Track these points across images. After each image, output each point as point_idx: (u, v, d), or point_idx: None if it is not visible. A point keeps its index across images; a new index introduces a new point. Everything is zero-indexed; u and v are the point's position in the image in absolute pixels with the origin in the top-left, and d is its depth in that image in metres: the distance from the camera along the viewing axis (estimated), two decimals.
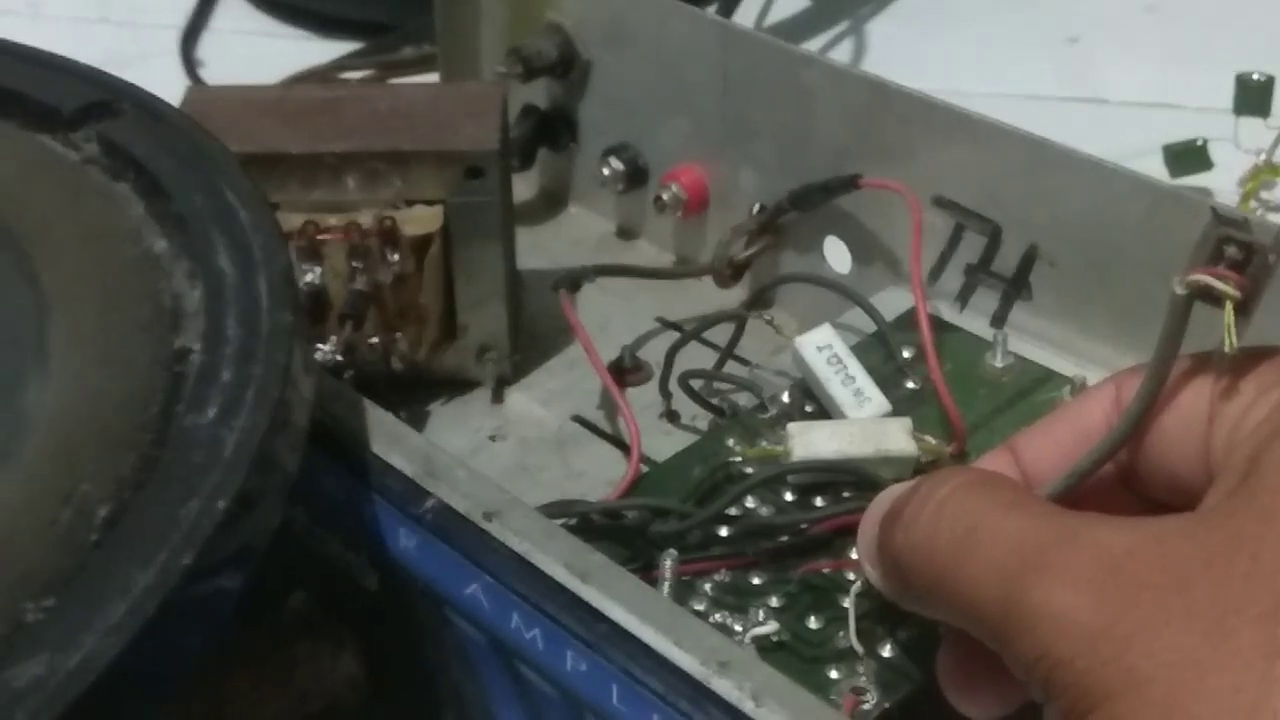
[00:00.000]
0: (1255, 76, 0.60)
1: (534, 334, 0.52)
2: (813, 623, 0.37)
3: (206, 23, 0.79)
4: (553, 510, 0.39)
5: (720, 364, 0.47)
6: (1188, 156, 0.60)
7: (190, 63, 0.75)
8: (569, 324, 0.47)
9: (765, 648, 0.36)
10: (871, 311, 0.46)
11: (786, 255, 0.53)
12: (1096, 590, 0.27)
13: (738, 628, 0.37)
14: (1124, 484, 0.33)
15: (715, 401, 0.46)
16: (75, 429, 0.31)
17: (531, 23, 0.57)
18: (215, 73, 0.74)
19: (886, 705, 0.35)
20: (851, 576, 0.37)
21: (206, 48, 0.77)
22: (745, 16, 0.72)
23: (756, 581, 0.38)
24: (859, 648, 0.36)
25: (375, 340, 0.47)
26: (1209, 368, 0.31)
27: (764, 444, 0.42)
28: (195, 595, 0.29)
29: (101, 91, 0.40)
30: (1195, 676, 0.26)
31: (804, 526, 0.39)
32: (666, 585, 0.37)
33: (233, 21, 0.80)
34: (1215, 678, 0.26)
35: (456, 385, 0.50)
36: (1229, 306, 0.30)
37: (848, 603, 0.36)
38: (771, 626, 0.36)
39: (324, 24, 0.78)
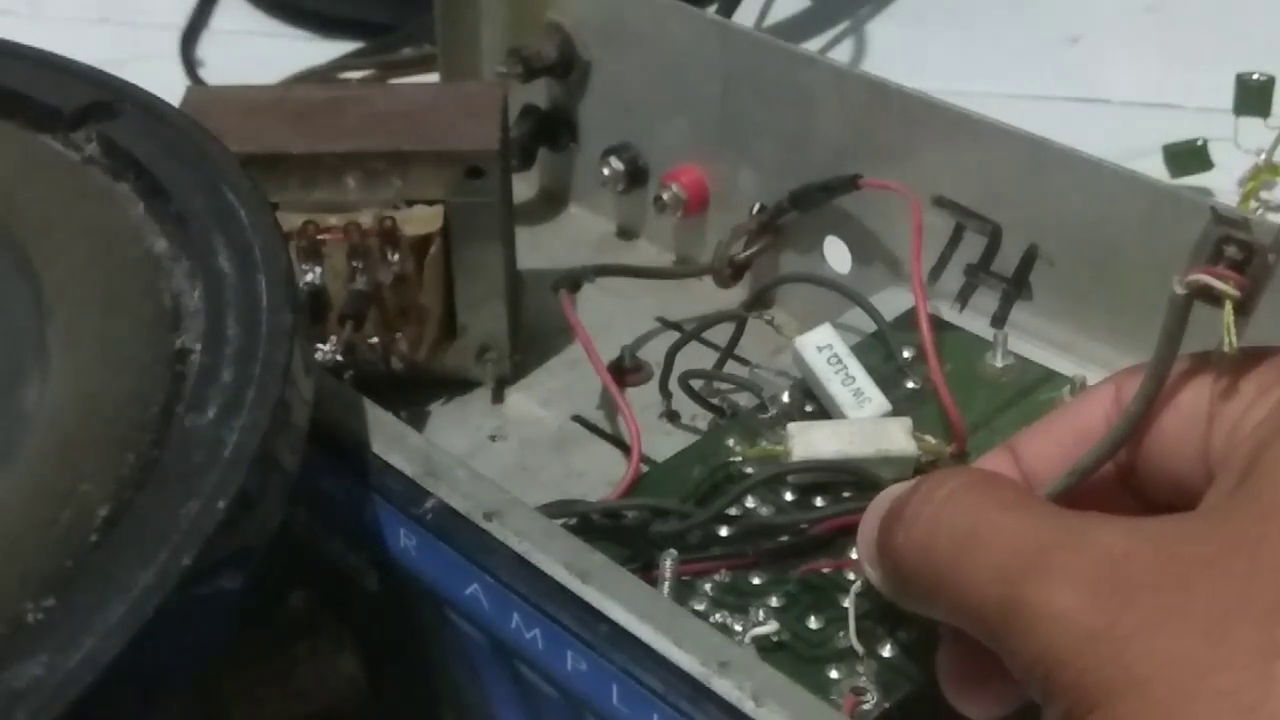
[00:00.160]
0: (1255, 76, 0.60)
1: (534, 334, 0.52)
2: (813, 623, 0.37)
3: (206, 23, 0.79)
4: (553, 510, 0.38)
5: (720, 364, 0.47)
6: (1188, 156, 0.60)
7: (190, 63, 0.75)
8: (569, 324, 0.47)
9: (765, 648, 0.36)
10: (871, 311, 0.46)
11: (786, 255, 0.53)
12: (1096, 590, 0.27)
13: (738, 628, 0.37)
14: (1124, 484, 0.33)
15: (715, 401, 0.46)
16: (75, 429, 0.31)
17: (531, 23, 0.57)
18: (215, 73, 0.74)
19: (886, 705, 0.35)
20: (851, 576, 0.37)
21: (206, 48, 0.77)
22: (745, 16, 0.72)
23: (756, 581, 0.38)
24: (859, 648, 0.36)
25: (375, 340, 0.47)
26: (1209, 368, 0.31)
27: (764, 444, 0.42)
28: (195, 595, 0.29)
29: (102, 91, 0.40)
30: (1194, 676, 0.26)
31: (804, 526, 0.39)
32: (666, 585, 0.37)
33: (233, 21, 0.80)
34: (1215, 678, 0.26)
35: (456, 385, 0.50)
36: (1228, 306, 0.30)
37: (848, 603, 0.36)
38: (771, 626, 0.36)
39: (324, 24, 0.78)
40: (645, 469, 0.43)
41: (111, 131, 0.39)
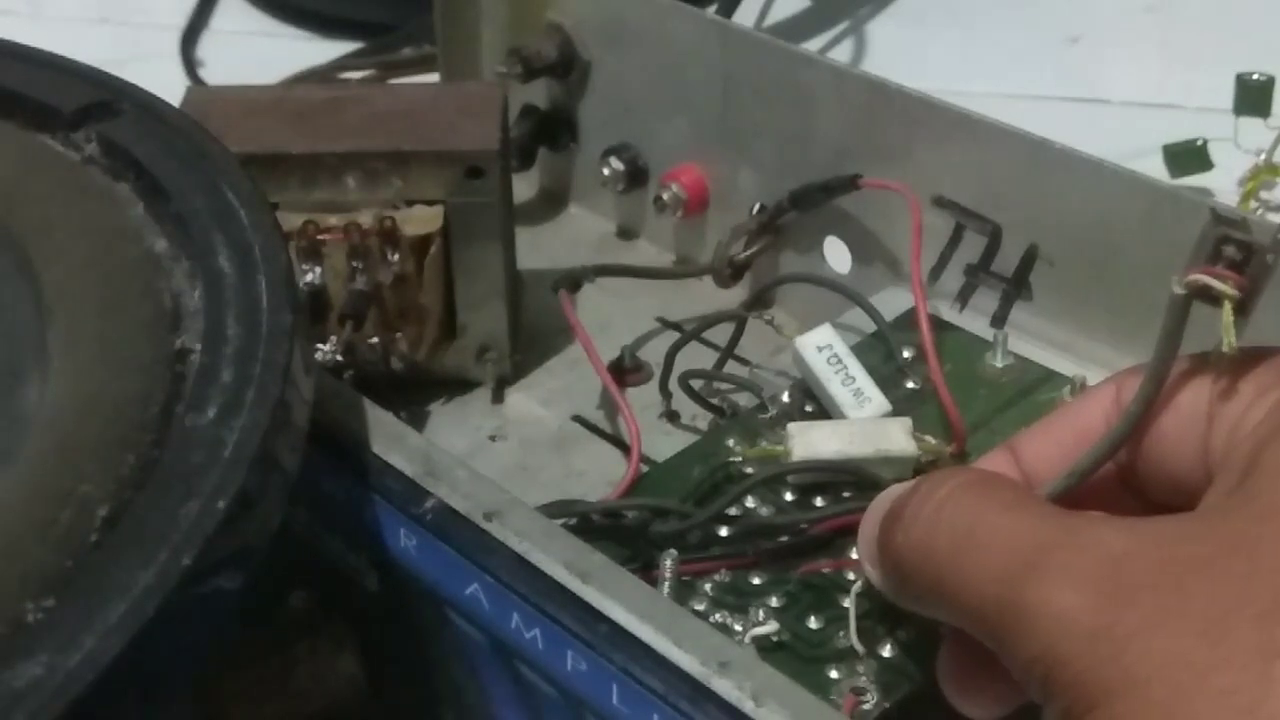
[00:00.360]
0: (1255, 76, 0.60)
1: (534, 334, 0.52)
2: (813, 623, 0.37)
3: (206, 23, 0.79)
4: (553, 510, 0.38)
5: (720, 364, 0.47)
6: (1188, 156, 0.60)
7: (190, 63, 0.75)
8: (569, 324, 0.47)
9: (765, 648, 0.36)
10: (871, 311, 0.46)
11: (786, 255, 0.53)
12: (1095, 590, 0.27)
13: (738, 628, 0.37)
14: (1123, 484, 0.33)
15: (715, 401, 0.46)
16: (75, 429, 0.31)
17: (531, 23, 0.57)
18: (215, 73, 0.74)
19: (886, 705, 0.35)
20: (851, 576, 0.37)
21: (206, 48, 0.77)
22: (745, 16, 0.72)
23: (756, 581, 0.38)
24: (859, 647, 0.36)
25: (375, 340, 0.47)
26: (1208, 368, 0.31)
27: (764, 444, 0.42)
28: (195, 595, 0.29)
29: (102, 91, 0.40)
30: (1193, 676, 0.26)
31: (804, 526, 0.39)
32: (666, 585, 0.37)
33: (233, 21, 0.80)
34: (1213, 677, 0.26)
35: (456, 385, 0.50)
36: (1227, 306, 0.30)
37: (848, 602, 0.36)
38: (771, 626, 0.36)
39: (324, 24, 0.78)
40: (645, 469, 0.43)
41: (111, 131, 0.39)
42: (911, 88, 0.47)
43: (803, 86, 0.50)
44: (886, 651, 0.36)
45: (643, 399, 0.48)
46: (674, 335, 0.49)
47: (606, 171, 0.56)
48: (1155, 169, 0.58)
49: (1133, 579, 0.27)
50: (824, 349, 0.44)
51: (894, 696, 0.35)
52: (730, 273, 0.51)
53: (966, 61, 0.72)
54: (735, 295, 0.52)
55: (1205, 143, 0.60)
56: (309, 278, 0.46)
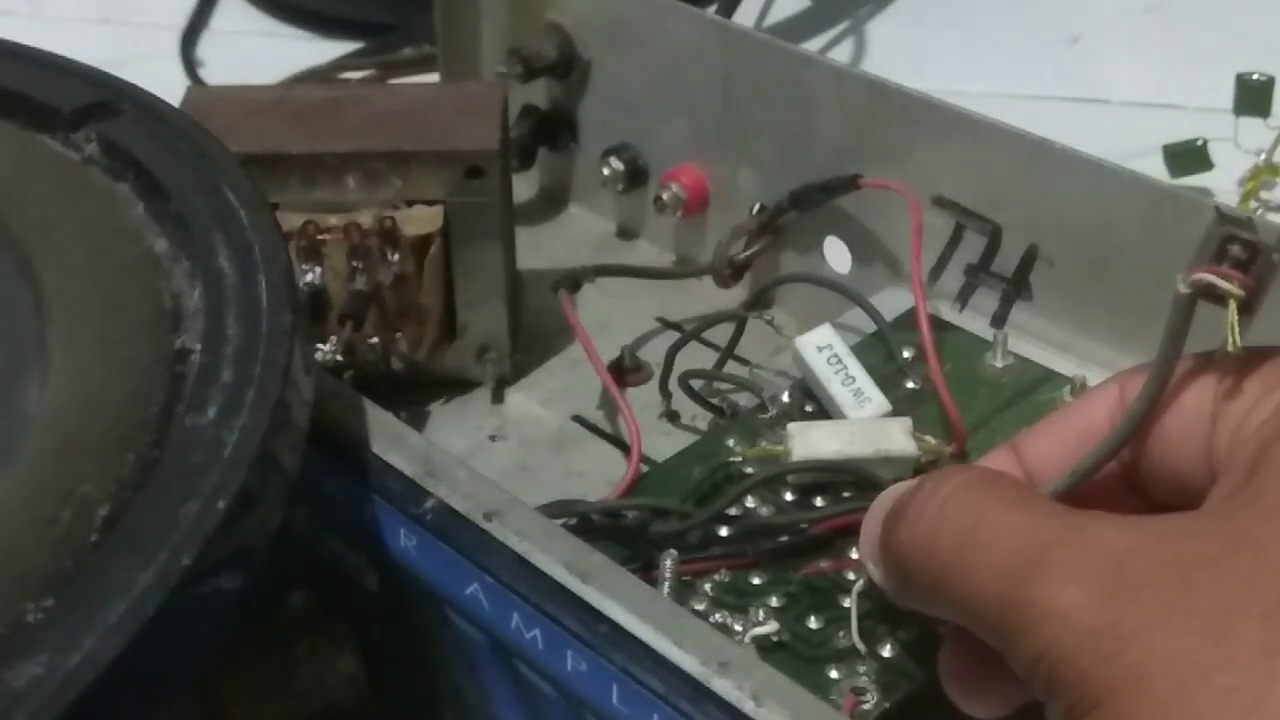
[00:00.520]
0: (1255, 76, 0.60)
1: (534, 334, 0.52)
2: (813, 623, 0.37)
3: (206, 23, 0.79)
4: (553, 510, 0.38)
5: (720, 364, 0.47)
6: (1188, 156, 0.60)
7: (190, 63, 0.75)
8: (569, 324, 0.47)
9: (765, 648, 0.36)
10: (871, 311, 0.46)
11: (786, 255, 0.53)
12: (1099, 588, 0.27)
13: (738, 628, 0.37)
14: (1127, 483, 0.33)
15: (715, 401, 0.46)
16: (75, 429, 0.31)
17: (531, 23, 0.57)
18: (215, 73, 0.74)
19: (887, 705, 0.35)
20: (852, 576, 0.37)
21: (206, 48, 0.77)
22: (745, 16, 0.72)
23: (756, 581, 0.38)
24: (860, 647, 0.36)
25: (375, 340, 0.47)
26: (1212, 367, 0.31)
27: (764, 444, 0.42)
28: (195, 595, 0.29)
29: (102, 91, 0.40)
30: (1197, 674, 0.26)
31: (804, 526, 0.39)
32: (666, 585, 0.37)
33: (233, 21, 0.80)
34: (1217, 676, 0.26)
35: (456, 385, 0.50)
36: (1232, 305, 0.30)
37: (848, 602, 0.36)
38: (772, 626, 0.36)
39: (324, 24, 0.78)
40: (645, 469, 0.43)
41: (111, 131, 0.38)
42: (911, 88, 0.47)
43: (803, 86, 0.50)
44: (887, 651, 0.36)
45: (643, 399, 0.48)
46: (674, 335, 0.49)
47: (606, 171, 0.56)
48: (1155, 169, 0.58)
49: (1136, 577, 0.27)
50: (824, 349, 0.43)
51: (894, 696, 0.35)
52: (730, 273, 0.51)
53: (966, 61, 0.72)
54: (735, 295, 0.52)
55: (1205, 143, 0.60)
56: (309, 278, 0.46)
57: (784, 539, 0.39)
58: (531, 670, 0.34)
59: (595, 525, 0.39)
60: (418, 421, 0.49)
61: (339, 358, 0.46)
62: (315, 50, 0.75)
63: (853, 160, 0.49)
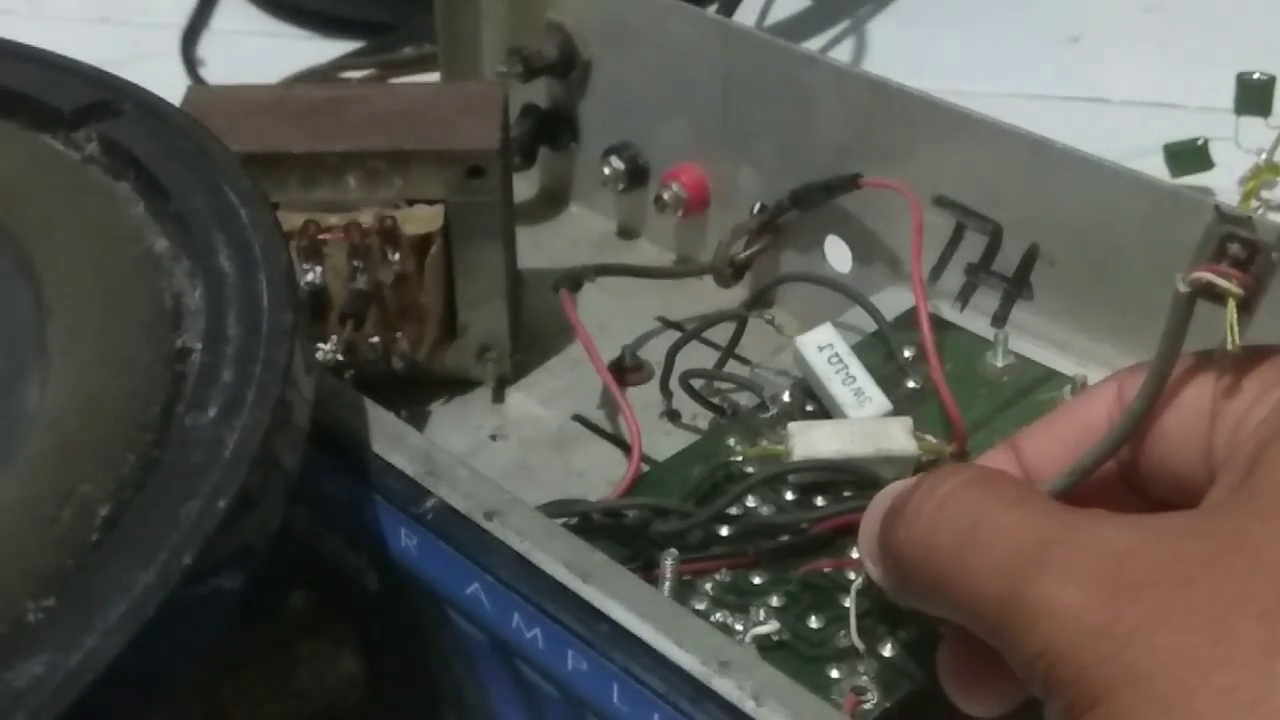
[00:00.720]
0: (1255, 76, 0.60)
1: (534, 333, 0.52)
2: (813, 622, 0.37)
3: (206, 23, 0.79)
4: (553, 510, 0.38)
5: (721, 363, 0.47)
6: (1188, 156, 0.60)
7: (190, 63, 0.75)
8: (569, 323, 0.47)
9: (766, 647, 0.36)
10: (872, 311, 0.46)
11: (787, 255, 0.53)
12: (1098, 587, 0.27)
13: (738, 627, 0.37)
14: (1126, 482, 0.33)
15: (716, 401, 0.46)
16: (75, 429, 0.31)
17: (532, 22, 0.57)
18: (215, 73, 0.74)
19: (887, 705, 0.35)
20: (852, 576, 0.37)
21: (206, 48, 0.77)
22: (745, 16, 0.72)
23: (757, 581, 0.38)
24: (860, 645, 0.36)
25: (376, 340, 0.47)
26: (1211, 366, 0.31)
27: (764, 443, 0.42)
28: (195, 595, 0.29)
29: (102, 91, 0.40)
30: (1196, 673, 0.26)
31: (804, 526, 0.39)
32: (667, 585, 0.37)
33: (233, 21, 0.80)
34: (1216, 675, 0.26)
35: (457, 385, 0.50)
36: (1232, 304, 0.30)
37: (848, 601, 0.36)
38: (772, 626, 0.36)
39: (324, 24, 0.78)
40: (646, 468, 0.43)
41: (112, 131, 0.38)
42: (912, 87, 0.47)
43: (803, 86, 0.50)
44: (887, 651, 0.36)
45: (643, 398, 0.48)
46: (674, 335, 0.49)
47: (607, 171, 0.56)
48: (1156, 169, 0.58)
49: (1135, 576, 0.27)
50: (824, 348, 0.43)
51: (895, 696, 0.35)
52: (731, 272, 0.51)
53: (967, 61, 0.72)
54: (736, 295, 0.52)
55: (1206, 142, 0.60)
56: (309, 277, 0.46)
57: (784, 538, 0.39)
58: (532, 670, 0.34)
59: (596, 525, 0.39)
60: (418, 421, 0.49)
61: (339, 357, 0.46)
62: (315, 50, 0.75)
63: (853, 160, 0.49)
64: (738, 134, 0.52)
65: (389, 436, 0.36)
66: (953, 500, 0.31)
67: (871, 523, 0.34)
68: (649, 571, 0.37)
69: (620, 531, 0.39)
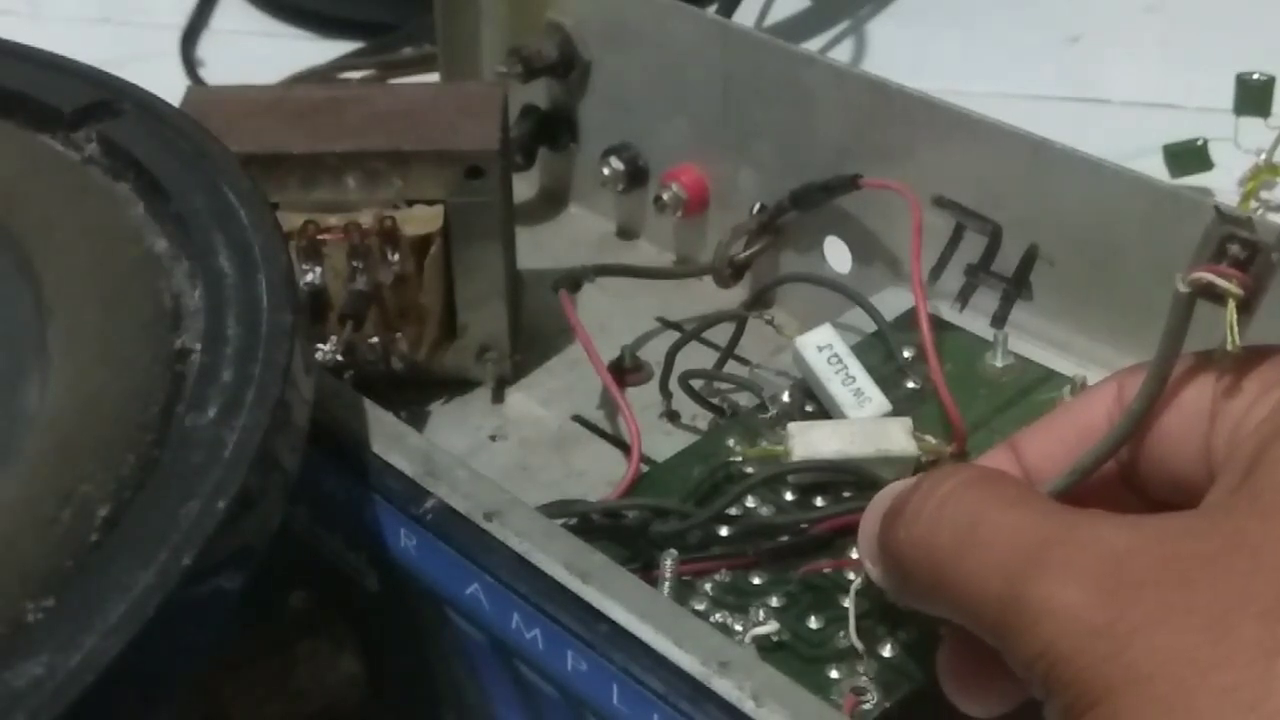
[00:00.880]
0: (1255, 76, 0.60)
1: (534, 334, 0.52)
2: (813, 622, 0.37)
3: (206, 23, 0.79)
4: (553, 510, 0.38)
5: (720, 364, 0.47)
6: (1188, 156, 0.60)
7: (190, 63, 0.75)
8: (569, 324, 0.47)
9: (765, 648, 0.36)
10: (872, 311, 0.46)
11: (787, 255, 0.53)
12: (1098, 587, 0.27)
13: (738, 628, 0.37)
14: (1126, 482, 0.33)
15: (715, 401, 0.46)
16: (75, 429, 0.31)
17: (532, 23, 0.57)
18: (215, 73, 0.74)
19: (887, 705, 0.35)
20: (852, 576, 0.37)
21: (206, 48, 0.77)
22: (745, 16, 0.72)
23: (757, 581, 0.38)
24: (859, 646, 0.36)
25: (375, 340, 0.47)
26: (1211, 366, 0.31)
27: (764, 444, 0.42)
28: (195, 595, 0.29)
29: (102, 91, 0.40)
30: (1196, 673, 0.26)
31: (804, 526, 0.39)
32: (667, 585, 0.37)
33: (233, 21, 0.80)
34: (1216, 675, 0.26)
35: (456, 385, 0.50)
36: (1232, 304, 0.30)
37: (848, 601, 0.36)
38: (772, 626, 0.36)
39: (324, 24, 0.78)
40: (645, 469, 0.43)
41: (111, 131, 0.38)
42: (911, 88, 0.47)
43: (803, 86, 0.50)
44: (887, 651, 0.36)
45: (643, 399, 0.48)
46: (674, 335, 0.49)
47: (607, 171, 0.56)
48: (1155, 169, 0.58)
49: (1135, 576, 0.27)
50: (824, 349, 0.43)
51: (894, 696, 0.35)
52: (730, 273, 0.51)
53: (967, 61, 0.72)
54: (735, 295, 0.52)
55: (1205, 142, 0.60)
56: (309, 278, 0.46)
57: (784, 539, 0.39)
58: (532, 670, 0.34)
59: (595, 525, 0.39)
60: (418, 421, 0.49)
61: (339, 357, 0.46)
62: (315, 50, 0.75)
63: (853, 160, 0.49)
64: (737, 134, 0.52)
65: (388, 437, 0.36)
66: (952, 500, 0.31)
67: (871, 523, 0.34)
68: (649, 572, 0.37)
69: (620, 532, 0.39)
